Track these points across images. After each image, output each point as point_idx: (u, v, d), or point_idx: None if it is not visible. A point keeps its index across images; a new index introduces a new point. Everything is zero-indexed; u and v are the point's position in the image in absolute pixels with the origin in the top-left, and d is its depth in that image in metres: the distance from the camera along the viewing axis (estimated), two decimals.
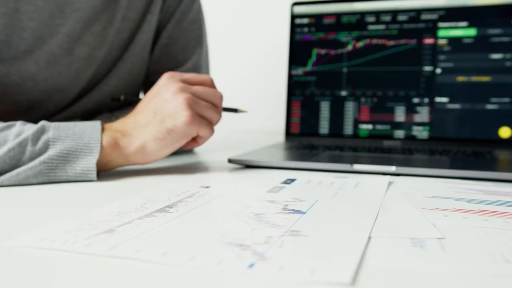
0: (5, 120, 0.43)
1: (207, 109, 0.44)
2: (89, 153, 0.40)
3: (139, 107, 0.45)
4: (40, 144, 0.39)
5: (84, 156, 0.40)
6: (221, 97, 0.46)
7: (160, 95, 0.44)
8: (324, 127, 0.74)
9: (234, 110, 0.53)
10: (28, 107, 0.53)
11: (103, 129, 0.42)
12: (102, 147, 0.41)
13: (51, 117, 0.55)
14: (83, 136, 0.41)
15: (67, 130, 0.41)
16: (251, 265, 0.20)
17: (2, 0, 0.47)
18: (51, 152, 0.39)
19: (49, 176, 0.39)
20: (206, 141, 0.46)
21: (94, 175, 0.40)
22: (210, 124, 0.45)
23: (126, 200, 0.33)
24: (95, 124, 0.42)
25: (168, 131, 0.42)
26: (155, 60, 0.62)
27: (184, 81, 0.45)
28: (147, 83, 0.64)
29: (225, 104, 0.50)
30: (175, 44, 0.62)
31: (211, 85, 0.47)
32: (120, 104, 0.59)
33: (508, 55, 0.66)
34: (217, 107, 0.46)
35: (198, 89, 0.45)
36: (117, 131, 0.43)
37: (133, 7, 0.57)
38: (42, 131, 0.40)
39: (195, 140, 0.46)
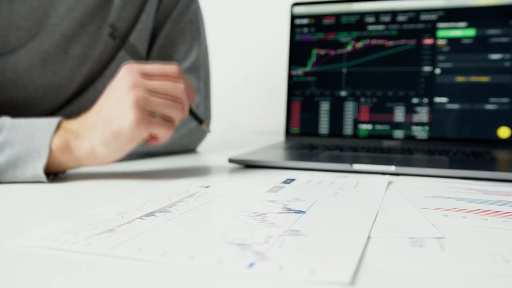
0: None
1: (163, 106, 0.40)
2: (37, 158, 0.39)
3: (98, 101, 0.42)
4: None
5: (33, 161, 0.39)
6: (182, 90, 0.41)
7: (114, 91, 0.40)
8: (324, 127, 0.74)
9: (199, 121, 0.47)
10: (23, 105, 0.53)
11: (58, 128, 0.40)
12: (51, 150, 0.39)
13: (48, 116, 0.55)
14: (34, 138, 0.39)
15: (21, 131, 0.40)
16: (251, 265, 0.20)
17: None
18: (0, 158, 0.39)
19: (1, 180, 0.39)
20: (166, 140, 0.42)
21: (44, 179, 0.39)
22: (166, 123, 0.41)
23: (126, 199, 0.33)
24: (51, 124, 0.40)
25: (114, 135, 0.39)
26: (153, 60, 0.62)
27: (144, 74, 0.40)
28: None
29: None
30: (173, 44, 0.62)
31: (176, 76, 0.42)
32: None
33: (507, 56, 0.66)
34: (179, 103, 0.41)
35: (154, 84, 0.40)
36: (71, 131, 0.40)
37: (128, 7, 0.57)
38: None
39: (154, 139, 0.42)
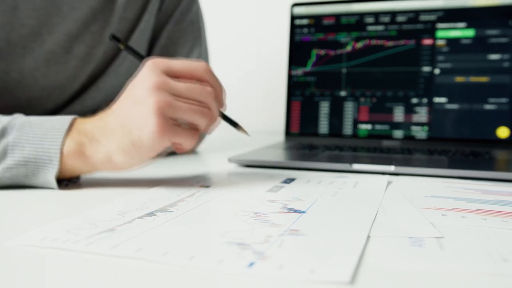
0: None
1: (189, 112, 0.36)
2: (48, 164, 0.36)
3: (118, 100, 0.38)
4: None
5: (44, 167, 0.36)
6: (211, 93, 0.37)
7: (135, 90, 0.36)
8: (323, 127, 0.74)
9: (234, 124, 0.42)
10: (27, 105, 0.53)
11: (71, 129, 0.37)
12: (63, 155, 0.36)
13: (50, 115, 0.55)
14: (45, 140, 0.36)
15: (31, 132, 0.37)
16: (251, 264, 0.20)
17: None
18: (9, 160, 0.36)
19: (14, 181, 0.37)
20: (190, 148, 0.38)
21: (55, 187, 0.37)
22: (191, 131, 0.37)
23: (127, 199, 0.33)
24: (63, 124, 0.37)
25: (133, 144, 0.35)
26: None
27: (169, 72, 0.36)
28: None
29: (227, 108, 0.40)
30: (174, 44, 0.62)
31: (204, 76, 0.37)
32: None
33: (506, 56, 0.66)
34: (207, 107, 0.37)
35: (180, 86, 0.35)
36: (85, 134, 0.37)
37: (130, 7, 0.57)
38: (2, 134, 0.36)
39: (177, 146, 0.38)
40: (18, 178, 0.36)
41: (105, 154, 0.36)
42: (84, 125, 0.37)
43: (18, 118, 0.38)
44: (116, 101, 0.38)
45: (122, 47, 0.42)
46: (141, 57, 0.42)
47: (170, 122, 0.35)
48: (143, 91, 0.35)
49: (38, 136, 0.36)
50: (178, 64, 0.37)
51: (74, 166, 0.37)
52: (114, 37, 0.42)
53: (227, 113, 0.42)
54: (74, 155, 0.36)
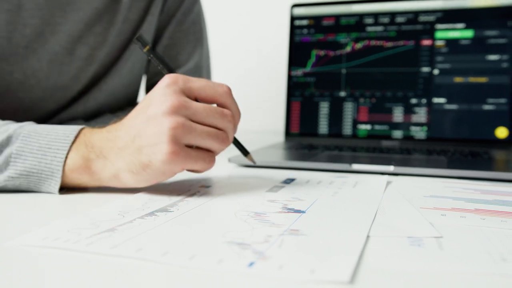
0: (6, 118, 0.43)
1: (204, 137, 0.34)
2: (50, 177, 0.35)
3: (131, 114, 0.36)
4: (1, 159, 0.35)
5: (45, 180, 0.35)
6: (230, 119, 0.35)
7: (151, 107, 0.34)
8: (323, 127, 0.74)
9: (245, 152, 0.41)
10: (30, 105, 0.53)
11: (77, 140, 0.35)
12: (67, 168, 0.35)
13: (53, 116, 0.56)
14: (48, 152, 0.35)
15: (35, 142, 0.35)
16: (251, 264, 0.21)
17: None
18: (11, 171, 0.35)
19: (18, 189, 0.36)
20: (203, 171, 0.37)
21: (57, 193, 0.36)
22: (205, 156, 0.35)
23: (127, 199, 0.33)
24: (68, 136, 0.35)
25: (142, 166, 0.33)
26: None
27: (188, 92, 0.34)
28: (150, 85, 0.65)
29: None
30: (176, 44, 0.63)
31: (225, 100, 0.35)
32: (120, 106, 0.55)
33: (504, 56, 0.67)
34: (223, 131, 0.35)
35: (198, 109, 0.33)
36: (93, 148, 0.35)
37: (134, 8, 0.57)
38: (7, 143, 0.35)
39: (193, 171, 0.37)
40: (21, 188, 0.36)
41: (112, 172, 0.34)
42: (92, 137, 0.35)
43: (25, 127, 0.37)
44: (130, 113, 0.36)
45: (145, 51, 0.38)
46: (165, 67, 0.38)
47: (184, 147, 0.33)
48: (159, 110, 0.33)
49: (42, 147, 0.35)
50: (199, 84, 0.35)
51: (79, 180, 0.35)
52: (140, 40, 0.38)
53: None
54: (80, 169, 0.34)
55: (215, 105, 0.36)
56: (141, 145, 0.33)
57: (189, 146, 0.34)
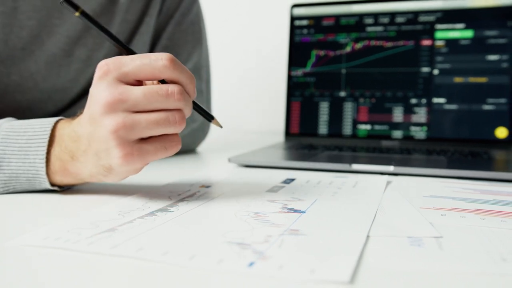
0: None
1: (153, 128, 0.31)
2: (37, 177, 0.35)
3: (84, 109, 0.34)
4: None
5: (34, 180, 0.35)
6: (175, 94, 0.31)
7: (90, 106, 0.32)
8: (323, 127, 0.74)
9: (209, 118, 0.37)
10: (28, 107, 0.53)
11: (53, 137, 0.34)
12: (50, 172, 0.34)
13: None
14: (29, 151, 0.34)
15: (15, 142, 0.35)
16: (251, 264, 0.21)
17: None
18: (1, 176, 0.35)
19: (17, 190, 0.36)
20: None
21: (58, 189, 0.36)
22: (165, 144, 0.32)
23: (127, 199, 0.34)
24: (44, 130, 0.34)
25: (106, 170, 0.33)
26: None
27: (124, 78, 0.31)
28: None
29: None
30: (175, 45, 0.63)
31: (165, 75, 0.31)
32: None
33: (504, 57, 0.67)
34: (175, 111, 0.31)
35: (138, 97, 0.30)
36: (66, 148, 0.34)
37: (131, 10, 0.57)
38: None
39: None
40: (15, 190, 0.36)
41: (88, 173, 0.34)
42: (64, 133, 0.34)
43: (2, 126, 0.36)
44: (84, 110, 0.34)
45: (77, 14, 0.33)
46: (109, 36, 0.34)
47: (136, 145, 0.31)
48: (96, 110, 0.31)
49: (22, 146, 0.35)
50: (134, 65, 0.31)
51: (64, 180, 0.35)
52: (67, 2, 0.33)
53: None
54: (60, 172, 0.34)
55: None
56: (97, 150, 0.32)
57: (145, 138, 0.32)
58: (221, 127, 0.39)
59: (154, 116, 0.31)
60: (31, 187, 0.36)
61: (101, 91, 0.31)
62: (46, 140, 0.34)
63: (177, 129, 0.32)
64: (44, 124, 0.35)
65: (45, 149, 0.34)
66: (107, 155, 0.31)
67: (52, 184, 0.36)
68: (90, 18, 0.34)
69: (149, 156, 0.32)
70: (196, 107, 0.36)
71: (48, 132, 0.35)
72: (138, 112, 0.31)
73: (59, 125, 0.35)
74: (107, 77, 0.31)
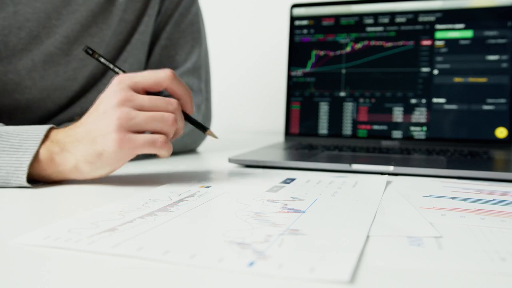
0: (4, 119, 0.43)
1: (148, 122, 0.37)
2: (19, 169, 0.37)
3: (88, 113, 0.39)
4: None
5: (14, 172, 0.37)
6: (174, 103, 0.38)
7: (102, 105, 0.38)
8: (323, 127, 0.74)
9: (203, 129, 0.43)
10: (27, 106, 0.53)
11: (47, 138, 0.38)
12: (37, 161, 0.37)
13: (51, 117, 0.56)
14: (19, 150, 0.37)
15: (6, 142, 0.37)
16: (251, 263, 0.21)
17: (2, 4, 0.48)
18: None
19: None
20: (167, 156, 0.39)
21: (27, 185, 0.38)
22: (155, 141, 0.37)
23: (127, 199, 0.34)
24: (38, 135, 0.38)
25: (97, 155, 0.37)
26: (155, 61, 0.63)
27: (134, 86, 0.38)
28: None
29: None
30: (174, 45, 0.63)
31: (169, 85, 0.39)
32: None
33: (504, 57, 0.67)
34: (170, 113, 0.38)
35: (144, 99, 0.37)
36: (58, 143, 0.38)
37: (129, 9, 0.57)
38: None
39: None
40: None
41: (73, 164, 0.37)
42: (59, 135, 0.39)
43: None
44: (87, 112, 0.40)
45: (95, 57, 0.42)
46: (116, 68, 0.42)
47: (130, 134, 0.36)
48: (107, 105, 0.37)
49: (14, 145, 0.37)
50: (143, 76, 0.38)
51: (44, 171, 0.38)
52: (87, 51, 0.42)
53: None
54: (44, 162, 0.37)
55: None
56: (95, 136, 0.37)
57: (141, 134, 0.37)
58: (216, 137, 0.44)
59: (151, 113, 0.37)
60: (4, 184, 0.37)
61: (115, 92, 0.37)
62: (39, 141, 0.37)
63: (169, 126, 0.38)
64: (39, 129, 0.39)
65: (36, 147, 0.37)
66: (103, 140, 0.36)
67: (28, 178, 0.37)
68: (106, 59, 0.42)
69: (139, 146, 0.37)
70: (190, 119, 0.42)
71: (42, 135, 0.38)
72: (142, 111, 0.37)
73: (53, 130, 0.39)
74: (122, 84, 0.38)
